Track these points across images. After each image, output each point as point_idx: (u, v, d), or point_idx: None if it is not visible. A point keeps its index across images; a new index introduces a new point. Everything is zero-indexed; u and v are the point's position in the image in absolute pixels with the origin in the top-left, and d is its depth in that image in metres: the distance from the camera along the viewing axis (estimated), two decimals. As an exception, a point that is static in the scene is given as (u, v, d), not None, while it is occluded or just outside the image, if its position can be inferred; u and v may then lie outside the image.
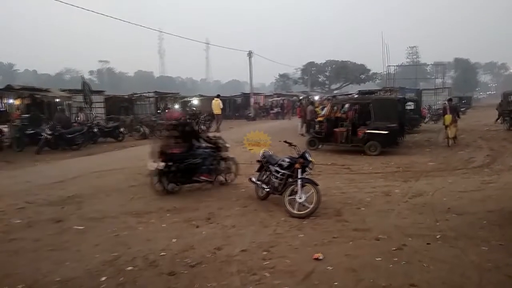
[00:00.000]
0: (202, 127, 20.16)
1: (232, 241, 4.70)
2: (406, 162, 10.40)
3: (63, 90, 20.58)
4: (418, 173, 8.78)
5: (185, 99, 33.40)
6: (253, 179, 6.77)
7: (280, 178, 6.10)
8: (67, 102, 19.73)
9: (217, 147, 7.66)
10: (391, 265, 3.88)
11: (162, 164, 6.70)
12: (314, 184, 5.71)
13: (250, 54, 34.46)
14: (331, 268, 3.84)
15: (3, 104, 18.98)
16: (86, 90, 18.36)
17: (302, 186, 5.71)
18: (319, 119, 13.83)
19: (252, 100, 34.88)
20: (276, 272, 3.79)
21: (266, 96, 43.33)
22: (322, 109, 17.60)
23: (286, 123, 26.54)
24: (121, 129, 17.40)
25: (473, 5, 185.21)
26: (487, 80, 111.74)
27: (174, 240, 4.72)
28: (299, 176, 5.77)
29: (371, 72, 72.30)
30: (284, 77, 74.82)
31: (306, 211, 5.55)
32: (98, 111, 20.84)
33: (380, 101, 12.66)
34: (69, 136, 13.79)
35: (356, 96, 18.12)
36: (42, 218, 5.73)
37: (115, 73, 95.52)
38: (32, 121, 14.82)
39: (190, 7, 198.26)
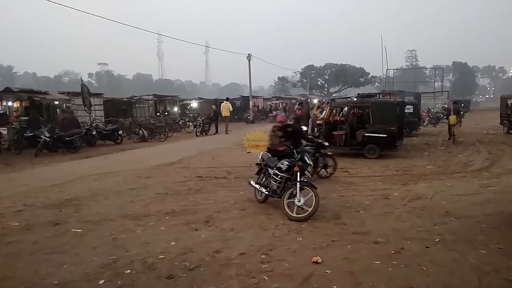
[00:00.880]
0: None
1: (230, 244, 4.69)
2: (405, 165, 10.40)
3: (62, 93, 20.57)
4: (417, 177, 8.78)
5: (184, 101, 33.39)
6: (252, 182, 6.77)
7: (279, 181, 6.10)
8: (66, 104, 19.71)
9: (317, 145, 8.56)
10: (390, 269, 3.88)
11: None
12: (313, 187, 5.71)
13: (249, 57, 34.52)
14: (329, 272, 3.83)
15: (2, 107, 18.95)
16: (84, 93, 18.34)
17: (301, 189, 5.71)
18: (318, 122, 13.83)
19: (251, 103, 34.90)
20: (274, 276, 3.79)
21: (265, 99, 43.38)
22: (321, 112, 17.61)
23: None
24: (120, 132, 17.39)
25: (471, 9, 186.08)
26: (485, 84, 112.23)
27: (172, 243, 4.71)
28: (298, 179, 5.77)
29: (370, 75, 72.59)
30: (283, 80, 74.97)
31: (305, 214, 5.54)
32: (97, 113, 20.83)
33: (379, 105, 12.68)
34: (68, 138, 13.77)
35: (355, 99, 18.16)
36: (40, 221, 5.72)
37: (114, 76, 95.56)
38: (30, 123, 14.81)
39: (189, 9, 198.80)
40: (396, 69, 53.45)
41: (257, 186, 6.61)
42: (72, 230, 5.29)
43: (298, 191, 5.68)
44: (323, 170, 8.76)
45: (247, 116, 33.08)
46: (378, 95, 21.30)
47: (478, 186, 7.73)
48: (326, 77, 75.79)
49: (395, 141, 12.05)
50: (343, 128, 12.70)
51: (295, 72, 74.37)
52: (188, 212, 6.11)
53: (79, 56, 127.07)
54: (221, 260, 4.19)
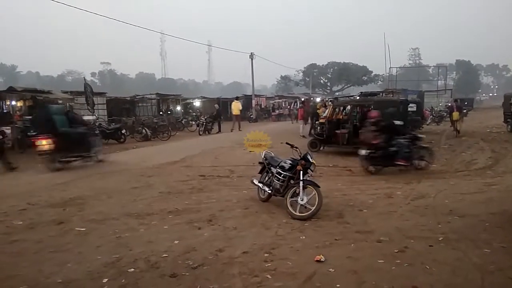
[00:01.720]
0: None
1: (233, 243, 4.69)
2: (408, 164, 10.36)
3: (65, 92, 20.65)
4: (420, 175, 8.75)
5: (187, 100, 33.45)
6: (255, 181, 6.77)
7: (281, 180, 6.10)
8: (69, 103, 19.78)
9: (412, 138, 9.15)
10: (393, 267, 3.87)
11: (365, 151, 9.03)
12: (316, 186, 5.70)
13: (252, 56, 34.52)
14: (332, 270, 3.83)
15: (5, 106, 19.04)
16: (88, 92, 18.41)
17: (304, 188, 5.71)
18: (321, 120, 13.82)
19: (253, 102, 34.91)
20: (277, 274, 3.79)
21: (267, 98, 43.39)
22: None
23: (289, 124, 26.46)
24: (123, 131, 17.43)
25: (474, 6, 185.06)
26: (489, 82, 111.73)
27: (176, 242, 4.72)
28: (301, 178, 5.76)
29: (373, 73, 72.44)
30: (285, 79, 74.94)
31: (308, 213, 5.54)
32: (100, 112, 20.90)
33: (382, 103, 12.64)
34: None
35: (358, 98, 18.12)
36: (44, 219, 5.74)
37: (117, 75, 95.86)
38: (34, 122, 14.84)
39: (192, 8, 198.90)
40: (399, 67, 53.36)
41: (260, 185, 6.61)
42: (76, 229, 5.31)
43: (301, 190, 5.68)
44: (418, 161, 9.18)
45: (250, 115, 33.09)
46: (381, 94, 21.25)
47: (482, 184, 7.69)
48: (329, 75, 75.72)
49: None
50: (346, 126, 12.68)
51: (297, 71, 74.39)
52: (191, 211, 6.12)
53: (82, 55, 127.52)
54: (224, 258, 4.19)
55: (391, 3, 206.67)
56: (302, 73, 74.15)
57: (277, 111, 36.30)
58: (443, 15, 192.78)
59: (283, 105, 39.36)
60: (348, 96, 29.51)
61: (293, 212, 5.63)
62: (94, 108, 18.77)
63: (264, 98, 42.28)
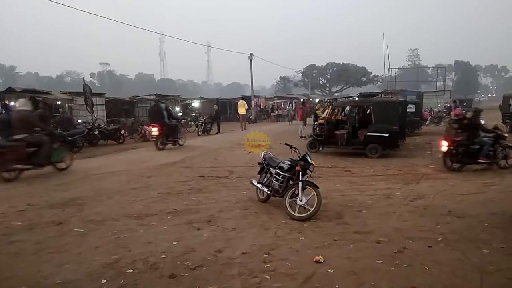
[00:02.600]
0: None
1: (232, 243, 4.69)
2: (407, 164, 10.39)
3: (64, 93, 20.63)
4: (419, 176, 8.76)
5: (186, 101, 33.43)
6: (254, 182, 6.77)
7: (281, 180, 6.10)
8: (68, 104, 19.79)
9: (496, 136, 9.14)
10: (392, 268, 3.87)
11: (445, 147, 9.09)
12: (315, 186, 5.71)
13: (251, 56, 34.54)
14: (331, 271, 3.83)
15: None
16: (87, 93, 18.38)
17: (303, 188, 5.71)
18: (320, 121, 13.84)
19: (253, 102, 34.91)
20: (276, 275, 3.79)
21: (267, 99, 43.39)
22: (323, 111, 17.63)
23: (288, 125, 26.46)
24: (122, 132, 17.42)
25: (473, 7, 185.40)
26: (487, 83, 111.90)
27: (175, 243, 4.71)
28: (300, 178, 5.76)
29: (372, 74, 72.60)
30: (284, 79, 75.03)
31: (307, 213, 5.54)
32: (99, 113, 20.88)
33: (381, 104, 12.67)
34: (70, 138, 13.77)
35: (357, 98, 18.14)
36: (43, 220, 5.72)
37: (116, 76, 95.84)
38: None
39: (190, 9, 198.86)
40: (398, 68, 53.28)
41: (259, 185, 6.61)
42: (75, 229, 5.30)
43: (300, 191, 5.68)
44: (503, 161, 9.13)
45: (249, 116, 33.07)
46: (380, 95, 21.29)
47: (481, 185, 7.70)
48: (328, 76, 75.83)
49: (397, 140, 12.05)
50: (345, 127, 12.70)
51: (296, 72, 74.45)
52: (190, 211, 6.11)
53: (81, 56, 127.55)
54: (223, 259, 4.19)
55: (390, 4, 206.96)
56: (301, 74, 74.22)
57: (276, 112, 36.30)
58: (442, 16, 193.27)
59: (282, 105, 39.38)
60: (347, 97, 29.55)
61: (292, 212, 5.63)
62: (93, 108, 18.72)
63: (263, 99, 42.27)
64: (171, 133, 13.88)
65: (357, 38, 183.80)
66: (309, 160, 5.98)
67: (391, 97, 20.61)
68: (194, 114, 28.32)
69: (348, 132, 12.29)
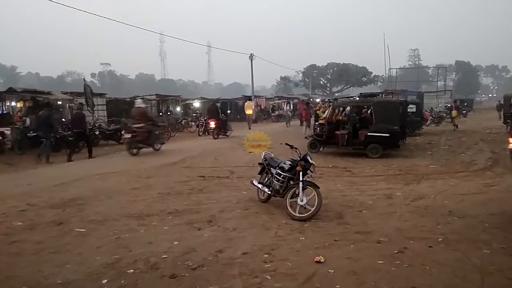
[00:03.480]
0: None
1: (233, 243, 4.69)
2: (407, 164, 10.39)
3: (65, 93, 20.65)
4: (420, 176, 8.76)
5: (187, 101, 33.43)
6: (255, 182, 6.77)
7: (281, 180, 6.10)
8: (69, 104, 19.80)
9: None
10: (393, 268, 3.87)
11: None
12: (316, 186, 5.71)
13: (251, 56, 34.52)
14: (332, 271, 3.83)
15: (5, 107, 19.04)
16: (87, 93, 18.39)
17: (304, 188, 5.71)
18: (320, 121, 13.83)
19: (253, 102, 34.88)
20: (277, 275, 3.79)
21: (267, 99, 43.37)
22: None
23: (286, 127, 26.41)
24: (123, 132, 17.40)
25: (474, 7, 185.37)
26: (488, 83, 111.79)
27: (175, 243, 4.72)
28: (301, 178, 5.76)
29: (372, 74, 72.50)
30: (285, 79, 74.97)
31: (308, 213, 5.54)
32: (100, 113, 20.89)
33: (382, 104, 12.66)
34: (71, 138, 13.79)
35: (358, 98, 18.13)
36: (44, 220, 5.74)
37: (117, 76, 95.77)
38: (34, 123, 14.83)
39: (191, 9, 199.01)
40: (398, 68, 53.33)
41: (259, 185, 6.61)
42: (76, 229, 5.31)
43: (300, 191, 5.68)
44: None
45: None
46: (380, 95, 21.27)
47: (481, 185, 7.70)
48: (329, 76, 75.74)
49: (398, 140, 12.04)
50: (346, 127, 12.69)
51: (297, 72, 74.33)
52: (191, 211, 6.12)
53: (82, 56, 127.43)
54: (224, 259, 4.19)
55: (391, 4, 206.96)
56: (301, 74, 74.12)
57: (276, 112, 36.27)
58: (443, 16, 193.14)
59: (283, 106, 39.36)
60: (347, 97, 29.51)
61: (293, 213, 5.63)
62: (94, 109, 18.75)
63: (264, 99, 42.25)
64: (223, 126, 18.45)
65: (358, 38, 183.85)
66: (310, 160, 5.98)
67: (392, 97, 20.60)
68: (195, 114, 28.32)
69: (349, 132, 12.28)
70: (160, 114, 26.01)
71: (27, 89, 19.45)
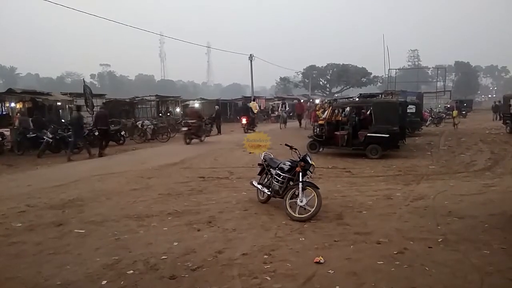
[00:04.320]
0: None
1: (233, 244, 4.69)
2: (407, 165, 10.39)
3: (65, 94, 20.65)
4: (420, 177, 8.76)
5: (187, 102, 33.42)
6: (254, 183, 6.77)
7: (281, 181, 6.10)
8: (68, 105, 19.80)
9: None
10: (393, 269, 3.87)
11: None
12: (315, 187, 5.70)
13: (251, 57, 34.52)
14: (332, 272, 3.83)
15: (5, 108, 19.04)
16: (87, 94, 18.40)
17: (303, 189, 5.70)
18: (320, 122, 13.84)
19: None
20: (277, 276, 3.79)
21: (267, 100, 43.37)
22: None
23: (288, 126, 26.40)
24: (122, 133, 17.41)
25: (473, 8, 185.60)
26: (487, 83, 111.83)
27: (175, 244, 4.72)
28: (300, 179, 5.76)
29: (372, 75, 72.46)
30: (284, 80, 74.93)
31: (307, 214, 5.54)
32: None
33: (381, 104, 12.66)
34: (70, 139, 13.79)
35: (357, 99, 18.13)
36: (43, 221, 5.73)
37: (116, 77, 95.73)
38: (34, 124, 14.86)
39: (191, 9, 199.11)
40: (398, 69, 53.28)
41: (259, 186, 6.60)
42: (75, 230, 5.30)
43: (300, 191, 5.68)
44: None
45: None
46: (380, 95, 21.27)
47: (481, 186, 7.70)
48: (328, 77, 75.68)
49: (398, 141, 12.06)
50: (345, 128, 12.70)
51: (297, 72, 74.37)
52: (191, 212, 6.11)
53: (81, 57, 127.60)
54: (224, 260, 4.19)
55: (390, 5, 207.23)
56: (301, 75, 74.12)
57: (276, 113, 36.23)
58: (442, 16, 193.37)
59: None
60: (347, 98, 29.52)
61: (293, 213, 5.63)
62: (94, 109, 18.74)
63: (264, 100, 42.26)
64: (252, 123, 21.95)
65: (357, 39, 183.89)
66: (310, 161, 5.98)
67: (391, 97, 20.59)
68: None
69: (348, 133, 12.28)
70: (160, 115, 26.01)
71: (26, 90, 19.47)
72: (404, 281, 3.61)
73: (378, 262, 4.02)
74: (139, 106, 26.99)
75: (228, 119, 33.42)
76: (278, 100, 42.71)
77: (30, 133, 13.95)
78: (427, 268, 3.85)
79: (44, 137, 13.34)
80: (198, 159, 11.89)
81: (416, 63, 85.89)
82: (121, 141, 17.00)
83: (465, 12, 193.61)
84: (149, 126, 18.76)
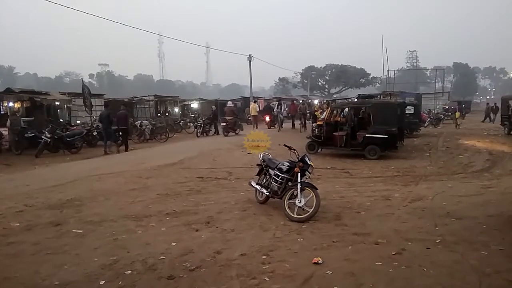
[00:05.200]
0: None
1: (231, 245, 4.69)
2: (405, 166, 10.40)
3: (63, 93, 20.60)
4: (418, 177, 8.78)
5: (185, 102, 33.41)
6: (253, 183, 6.76)
7: (279, 182, 6.10)
8: (67, 105, 19.76)
9: None
10: (391, 270, 3.87)
11: None
12: (314, 188, 5.70)
13: (250, 58, 34.52)
14: (330, 273, 3.83)
15: (3, 108, 18.98)
16: (85, 93, 18.36)
17: (302, 190, 5.70)
18: (319, 123, 13.84)
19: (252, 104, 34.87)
20: (275, 276, 3.78)
21: (265, 100, 43.32)
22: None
23: (287, 126, 26.39)
24: (121, 132, 17.35)
25: (471, 9, 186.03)
26: (486, 85, 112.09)
27: (173, 244, 4.71)
28: (299, 180, 5.76)
29: (371, 76, 72.57)
30: (283, 81, 74.95)
31: (306, 215, 5.54)
32: (98, 114, 20.81)
33: (380, 105, 12.68)
34: (69, 139, 13.79)
35: (356, 100, 18.16)
36: (41, 221, 5.72)
37: (115, 77, 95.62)
38: (34, 124, 14.84)
39: (190, 9, 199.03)
40: (397, 70, 53.45)
41: (258, 187, 6.60)
42: (73, 230, 5.29)
43: (299, 192, 5.68)
44: None
45: (248, 117, 33.02)
46: (379, 96, 21.32)
47: (479, 187, 7.72)
48: (327, 78, 75.72)
49: (396, 142, 12.07)
50: (344, 129, 12.71)
51: (295, 73, 74.35)
52: (189, 213, 6.11)
53: (80, 57, 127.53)
54: (222, 260, 4.19)
55: (389, 6, 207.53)
56: (300, 75, 74.13)
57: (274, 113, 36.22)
58: (441, 17, 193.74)
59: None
60: (345, 98, 29.55)
61: (291, 214, 5.63)
62: (92, 109, 18.71)
63: (262, 100, 42.20)
64: (274, 120, 23.27)
65: (356, 40, 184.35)
66: (308, 162, 5.98)
67: (390, 98, 20.64)
68: (193, 115, 28.30)
69: (347, 134, 12.30)
70: (159, 115, 25.98)
71: (25, 90, 19.39)
72: (402, 281, 3.62)
73: (376, 263, 4.03)
74: (137, 106, 26.96)
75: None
76: (277, 101, 42.73)
77: (28, 132, 13.92)
78: (425, 269, 3.86)
79: (42, 137, 13.32)
80: (196, 160, 11.87)
81: (415, 64, 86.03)
82: (119, 141, 16.95)
83: (464, 13, 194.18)
84: (148, 126, 18.76)
